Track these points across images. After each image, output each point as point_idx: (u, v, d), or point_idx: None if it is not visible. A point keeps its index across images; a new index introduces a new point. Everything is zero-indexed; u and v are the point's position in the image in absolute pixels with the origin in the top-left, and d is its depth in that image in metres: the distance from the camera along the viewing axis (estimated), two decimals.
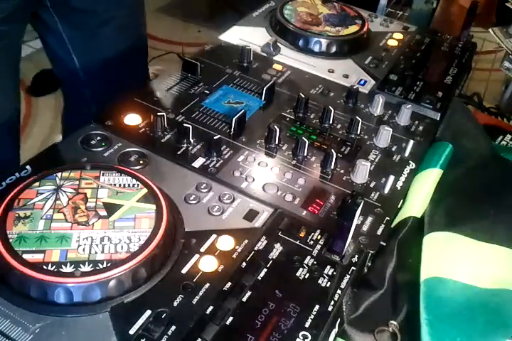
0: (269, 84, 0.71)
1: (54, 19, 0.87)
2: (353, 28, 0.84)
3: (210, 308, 0.46)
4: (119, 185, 0.52)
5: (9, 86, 0.85)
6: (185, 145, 0.63)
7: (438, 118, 0.73)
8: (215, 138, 0.61)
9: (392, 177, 0.61)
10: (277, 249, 0.52)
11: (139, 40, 1.02)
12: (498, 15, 1.17)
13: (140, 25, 1.01)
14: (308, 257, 0.52)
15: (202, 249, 0.50)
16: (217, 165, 0.61)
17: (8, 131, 0.88)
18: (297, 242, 0.53)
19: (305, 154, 0.63)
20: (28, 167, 0.56)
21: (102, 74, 0.95)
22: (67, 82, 1.02)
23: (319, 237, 0.54)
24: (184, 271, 0.48)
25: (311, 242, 0.53)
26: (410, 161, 0.66)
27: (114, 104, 0.67)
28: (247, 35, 0.85)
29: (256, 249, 0.51)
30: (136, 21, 0.98)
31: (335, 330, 0.50)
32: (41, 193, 0.50)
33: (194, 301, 0.46)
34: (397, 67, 0.81)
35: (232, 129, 0.65)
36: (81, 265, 0.44)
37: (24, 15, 0.81)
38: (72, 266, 0.44)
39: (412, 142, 0.67)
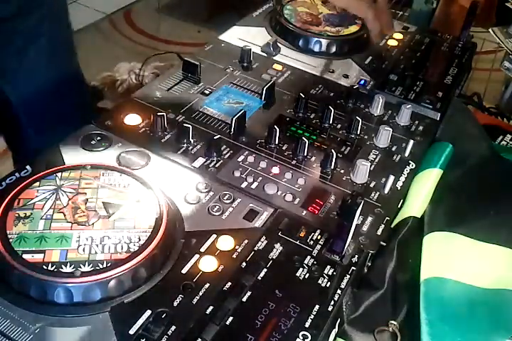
0: (268, 84, 0.71)
1: None
2: (353, 28, 0.84)
3: (210, 308, 0.46)
4: (119, 185, 0.52)
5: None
6: (185, 145, 0.63)
7: (438, 118, 0.73)
8: (215, 138, 0.61)
9: (392, 177, 0.61)
10: (277, 249, 0.52)
11: (70, 63, 0.97)
12: (498, 15, 1.16)
13: (68, 47, 0.96)
14: (308, 257, 0.52)
15: (202, 249, 0.50)
16: (217, 165, 0.61)
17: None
18: (297, 242, 0.53)
19: (305, 154, 0.63)
20: (28, 167, 0.56)
21: (36, 103, 0.90)
22: (3, 117, 0.95)
23: (319, 237, 0.54)
24: (184, 271, 0.48)
25: (311, 242, 0.53)
26: (410, 161, 0.65)
27: (114, 104, 0.67)
28: (247, 35, 0.85)
29: (256, 248, 0.51)
30: (62, 42, 0.94)
31: (335, 330, 0.50)
32: (41, 193, 0.50)
33: (194, 301, 0.46)
34: (397, 67, 0.81)
35: (232, 129, 0.65)
36: (81, 265, 0.44)
37: None
38: (72, 266, 0.44)
39: (412, 142, 0.67)
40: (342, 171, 0.62)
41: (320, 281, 0.50)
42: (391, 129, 0.66)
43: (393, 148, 0.67)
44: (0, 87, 0.88)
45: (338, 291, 0.49)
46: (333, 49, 0.82)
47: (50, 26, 0.88)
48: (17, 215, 0.48)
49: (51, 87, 0.90)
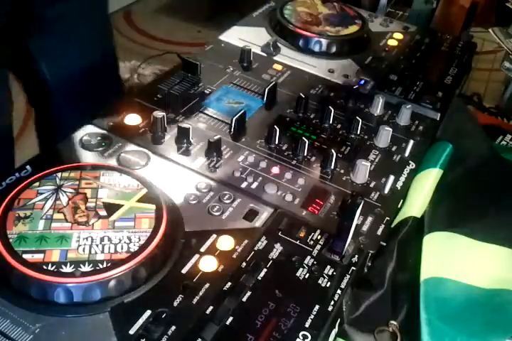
0: (270, 85, 0.71)
1: (20, 33, 0.85)
2: (353, 28, 0.84)
3: (210, 308, 0.46)
4: (119, 185, 0.52)
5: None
6: (185, 145, 0.63)
7: (438, 118, 0.73)
8: (215, 138, 0.61)
9: (392, 177, 0.61)
10: (277, 248, 0.52)
11: (108, 47, 1.01)
12: (498, 15, 1.16)
13: (107, 30, 0.99)
14: (308, 257, 0.52)
15: (202, 249, 0.50)
16: (217, 165, 0.61)
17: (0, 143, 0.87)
18: (297, 242, 0.53)
19: (305, 154, 0.63)
20: (28, 167, 0.56)
21: (71, 83, 0.93)
22: (37, 94, 0.99)
23: (319, 237, 0.54)
24: (184, 271, 0.48)
25: (311, 242, 0.53)
26: (410, 161, 0.65)
27: (114, 104, 0.67)
28: (247, 35, 0.85)
29: (256, 248, 0.51)
30: (101, 26, 0.97)
31: (335, 330, 0.50)
32: (41, 193, 0.50)
33: (194, 301, 0.46)
34: (397, 67, 0.81)
35: (232, 129, 0.65)
36: (81, 265, 0.44)
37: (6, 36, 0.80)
38: (72, 266, 0.44)
39: (412, 142, 0.67)
40: (342, 171, 0.62)
41: (320, 281, 0.50)
42: (391, 129, 0.66)
43: (393, 148, 0.67)
44: (40, 68, 0.91)
45: (338, 291, 0.49)
46: (333, 49, 0.82)
47: (91, 13, 0.92)
48: (17, 215, 0.48)
49: (88, 68, 0.93)
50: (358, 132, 0.68)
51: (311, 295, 0.48)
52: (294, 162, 0.63)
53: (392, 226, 0.59)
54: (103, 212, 0.49)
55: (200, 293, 0.47)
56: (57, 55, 0.91)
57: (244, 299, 0.47)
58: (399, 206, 0.61)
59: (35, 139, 1.12)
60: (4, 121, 0.87)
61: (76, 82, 0.94)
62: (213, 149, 0.61)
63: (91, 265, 0.45)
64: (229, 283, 0.48)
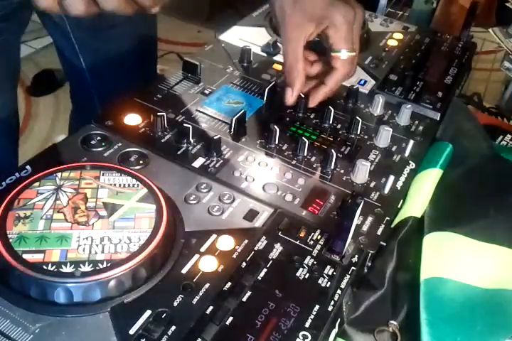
0: (270, 85, 0.71)
1: (63, 19, 0.86)
2: None
3: (210, 308, 0.46)
4: (119, 185, 0.52)
5: (6, 87, 0.84)
6: (185, 145, 0.63)
7: (438, 118, 0.73)
8: (215, 138, 0.61)
9: (392, 177, 0.61)
10: (277, 248, 0.52)
11: (149, 44, 1.01)
12: (498, 15, 1.17)
13: (151, 30, 0.99)
14: (308, 257, 0.52)
15: (202, 249, 0.50)
16: (217, 165, 0.61)
17: (5, 133, 0.87)
18: (297, 242, 0.53)
19: (305, 154, 0.63)
20: (28, 167, 0.56)
21: (108, 75, 0.94)
22: (74, 81, 1.01)
23: (319, 237, 0.54)
24: (184, 271, 0.48)
25: (311, 242, 0.53)
26: (410, 161, 0.65)
27: (114, 104, 0.67)
28: (247, 35, 0.85)
29: (256, 248, 0.51)
30: (147, 26, 0.97)
31: (335, 330, 0.50)
32: (41, 193, 0.50)
33: (194, 301, 0.46)
34: (397, 67, 0.81)
35: (232, 129, 0.65)
36: (81, 265, 0.44)
37: (23, 14, 0.80)
38: (72, 266, 0.44)
39: (412, 142, 0.67)
40: (342, 171, 0.62)
41: (320, 281, 0.50)
42: (391, 129, 0.66)
43: (393, 148, 0.67)
44: (79, 58, 0.92)
45: (338, 291, 0.49)
46: None
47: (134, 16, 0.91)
48: (17, 215, 0.48)
49: (124, 60, 0.94)
50: (358, 132, 0.68)
51: (311, 295, 0.48)
52: (294, 162, 0.63)
53: (392, 226, 0.59)
54: (103, 212, 0.49)
55: (200, 293, 0.47)
56: (95, 49, 0.92)
57: (244, 299, 0.47)
58: (399, 206, 0.61)
59: (35, 139, 1.12)
60: (10, 111, 0.86)
61: (110, 75, 0.95)
62: (213, 149, 0.61)
63: (91, 265, 0.44)
64: (229, 283, 0.48)
